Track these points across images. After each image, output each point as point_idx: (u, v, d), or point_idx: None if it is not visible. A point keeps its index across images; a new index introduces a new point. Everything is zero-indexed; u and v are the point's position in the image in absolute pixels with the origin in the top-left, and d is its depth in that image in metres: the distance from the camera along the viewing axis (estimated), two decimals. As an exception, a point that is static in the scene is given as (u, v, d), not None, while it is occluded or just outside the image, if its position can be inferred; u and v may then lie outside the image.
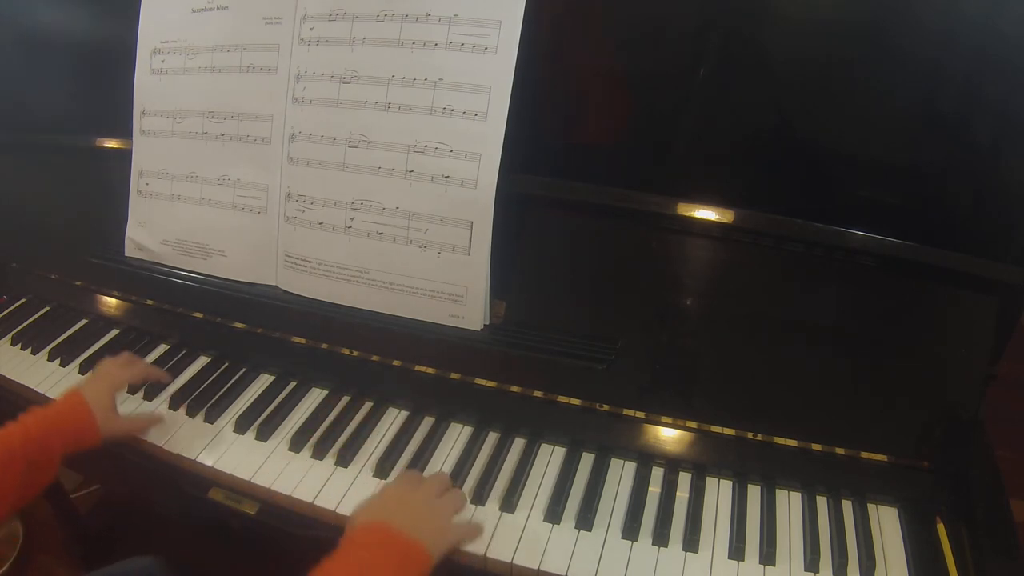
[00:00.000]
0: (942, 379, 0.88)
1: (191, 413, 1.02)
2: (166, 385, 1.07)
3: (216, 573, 1.50)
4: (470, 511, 0.87)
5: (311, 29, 1.01)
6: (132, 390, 1.05)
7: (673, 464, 0.94)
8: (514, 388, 0.98)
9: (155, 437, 0.98)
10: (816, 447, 0.91)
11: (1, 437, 0.83)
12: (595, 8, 0.94)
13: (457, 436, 0.99)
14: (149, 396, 1.05)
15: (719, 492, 0.91)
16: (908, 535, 0.86)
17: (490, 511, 0.87)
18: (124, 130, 1.17)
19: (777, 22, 0.88)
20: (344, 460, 0.94)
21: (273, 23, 1.04)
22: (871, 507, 0.89)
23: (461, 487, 0.90)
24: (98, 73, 1.23)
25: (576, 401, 0.96)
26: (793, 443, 0.91)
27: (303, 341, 1.07)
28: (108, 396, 0.93)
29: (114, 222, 1.20)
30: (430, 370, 1.01)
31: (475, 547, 0.83)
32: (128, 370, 0.99)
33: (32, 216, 1.32)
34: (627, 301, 0.96)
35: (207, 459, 0.95)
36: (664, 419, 0.94)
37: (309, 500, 0.89)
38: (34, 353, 1.16)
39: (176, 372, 1.10)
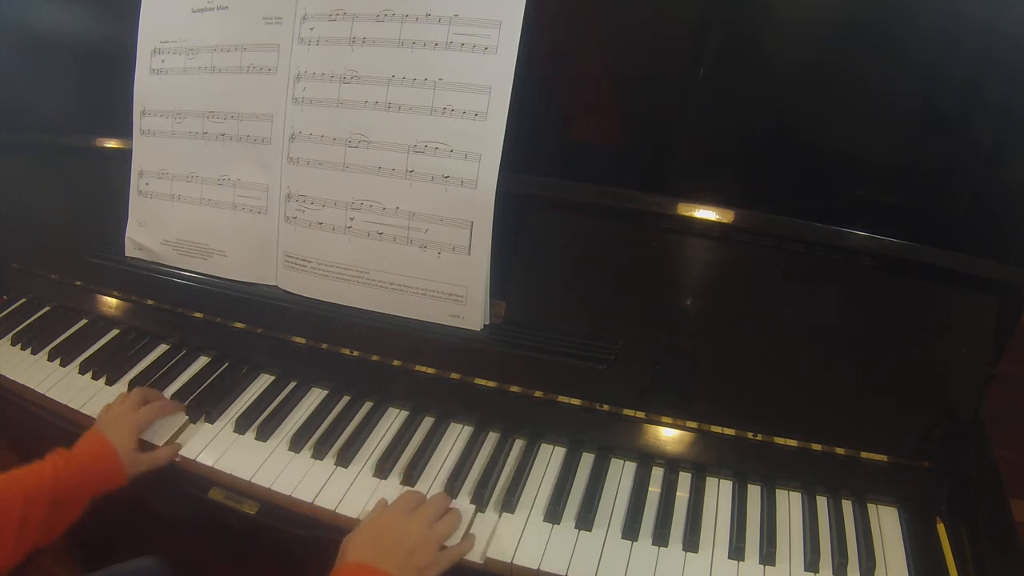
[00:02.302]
0: (942, 379, 0.88)
1: (191, 413, 1.02)
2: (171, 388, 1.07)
3: (216, 573, 1.49)
4: (470, 512, 0.87)
5: (311, 29, 1.01)
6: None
7: (673, 464, 0.94)
8: (514, 388, 0.98)
9: (155, 437, 0.98)
10: (816, 447, 0.91)
11: (31, 475, 0.83)
12: (595, 8, 0.94)
13: (457, 436, 0.99)
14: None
15: (719, 492, 0.91)
16: (908, 535, 0.86)
17: (490, 511, 0.87)
18: (124, 130, 1.17)
19: (777, 22, 0.88)
20: (344, 460, 0.94)
21: (273, 23, 1.04)
22: (871, 507, 0.90)
23: (461, 487, 0.90)
24: (98, 73, 1.23)
25: (576, 401, 0.96)
26: (793, 443, 0.91)
27: (303, 341, 1.07)
28: (132, 439, 0.93)
29: (114, 222, 1.20)
30: (430, 370, 1.01)
31: (475, 547, 0.83)
32: (148, 410, 0.98)
33: (32, 216, 1.32)
34: (627, 301, 0.96)
35: (207, 459, 0.95)
36: (664, 419, 0.94)
37: (309, 500, 0.89)
38: (34, 353, 1.16)
39: (176, 372, 1.10)
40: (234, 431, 0.99)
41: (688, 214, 0.91)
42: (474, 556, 0.82)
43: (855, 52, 0.86)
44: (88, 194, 1.26)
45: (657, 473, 0.93)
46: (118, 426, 0.93)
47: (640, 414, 0.95)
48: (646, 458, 0.94)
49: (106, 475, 0.89)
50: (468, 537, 0.84)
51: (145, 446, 0.97)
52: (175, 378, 1.09)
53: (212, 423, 1.00)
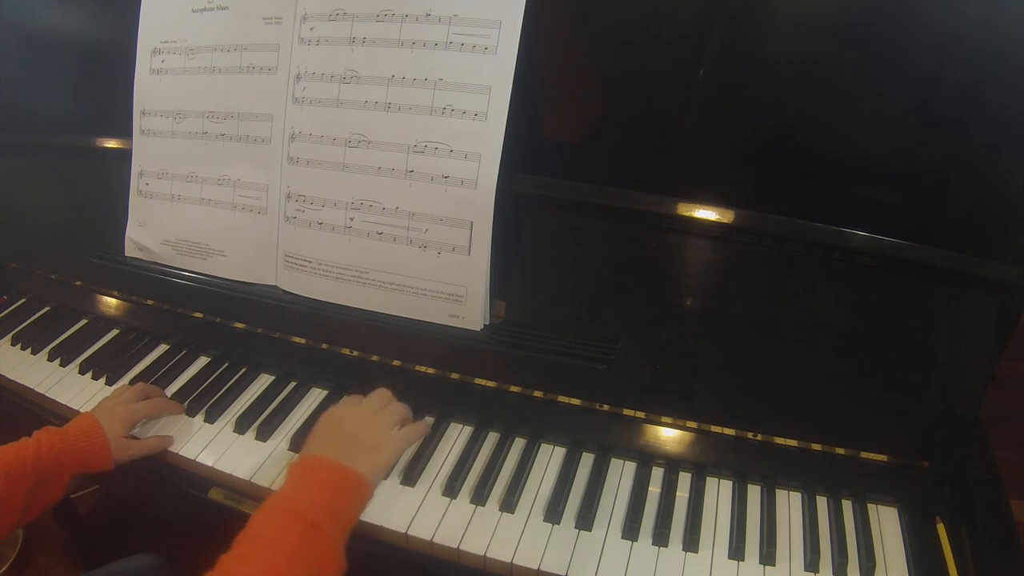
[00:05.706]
0: (942, 379, 0.88)
1: (191, 413, 1.02)
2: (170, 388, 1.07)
3: (216, 573, 1.49)
4: (470, 511, 0.87)
5: (311, 29, 1.01)
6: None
7: (673, 464, 0.94)
8: (514, 388, 0.98)
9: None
10: (816, 447, 0.91)
11: (15, 451, 0.84)
12: (595, 8, 0.94)
13: (457, 436, 0.98)
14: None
15: (719, 492, 0.91)
16: (908, 535, 0.86)
17: (490, 511, 0.87)
18: (124, 130, 1.17)
19: (777, 22, 0.88)
20: (344, 460, 0.94)
21: (273, 23, 1.04)
22: (871, 507, 0.89)
23: (461, 487, 0.90)
24: (98, 73, 1.23)
25: (576, 401, 0.96)
26: (793, 443, 0.91)
27: (303, 341, 1.07)
28: (123, 426, 0.93)
29: (114, 222, 1.20)
30: (430, 370, 1.01)
31: (475, 547, 0.83)
32: (147, 406, 0.98)
33: (32, 216, 1.32)
34: (627, 301, 0.96)
35: (207, 459, 0.95)
36: (664, 419, 0.94)
37: (309, 500, 0.89)
38: (34, 353, 1.16)
39: (176, 372, 1.10)
40: (234, 431, 0.99)
41: (688, 214, 0.91)
42: (476, 551, 0.82)
43: (855, 52, 0.86)
44: (88, 194, 1.26)
45: (657, 473, 0.93)
46: (112, 413, 0.94)
47: (640, 414, 0.95)
48: (646, 458, 0.94)
49: (91, 456, 0.89)
50: (423, 423, 0.92)
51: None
52: (175, 378, 1.09)
53: (212, 423, 1.00)
